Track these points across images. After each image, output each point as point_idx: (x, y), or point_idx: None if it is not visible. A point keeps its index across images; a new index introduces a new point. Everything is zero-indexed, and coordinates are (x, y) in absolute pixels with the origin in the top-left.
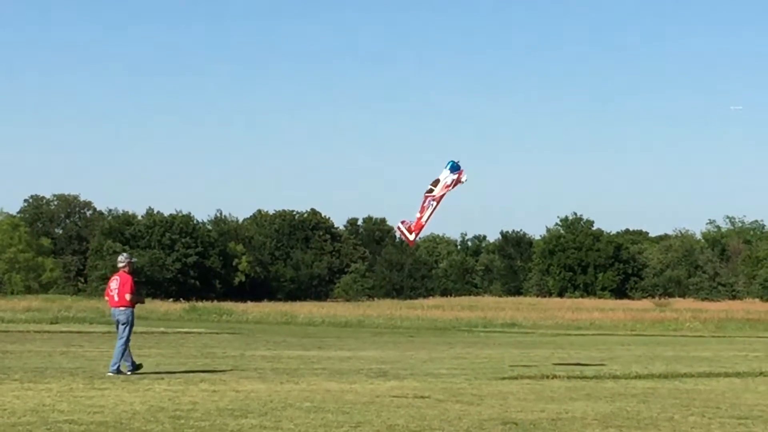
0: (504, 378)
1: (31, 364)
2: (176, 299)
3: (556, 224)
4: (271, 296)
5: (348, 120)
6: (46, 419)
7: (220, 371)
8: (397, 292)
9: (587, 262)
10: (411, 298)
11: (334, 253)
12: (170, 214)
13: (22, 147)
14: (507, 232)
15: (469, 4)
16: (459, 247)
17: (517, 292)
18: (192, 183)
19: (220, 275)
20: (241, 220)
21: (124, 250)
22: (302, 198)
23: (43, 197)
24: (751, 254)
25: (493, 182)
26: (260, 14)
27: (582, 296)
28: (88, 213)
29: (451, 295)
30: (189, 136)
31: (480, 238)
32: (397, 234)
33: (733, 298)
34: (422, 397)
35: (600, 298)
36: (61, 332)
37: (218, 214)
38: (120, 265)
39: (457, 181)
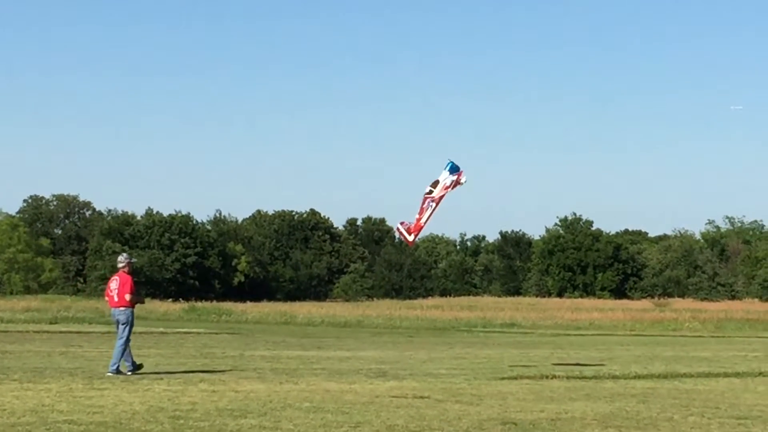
0: (503, 378)
1: (31, 364)
2: (175, 299)
3: (556, 224)
4: (271, 296)
5: (347, 120)
6: (46, 419)
7: (220, 371)
8: (396, 292)
9: (586, 263)
10: (410, 298)
11: (333, 253)
12: (169, 215)
13: (22, 147)
14: (506, 232)
15: (469, 4)
16: (458, 247)
17: (517, 292)
18: (191, 183)
19: (219, 275)
20: (240, 220)
21: (124, 251)
22: (301, 198)
23: (43, 197)
24: (751, 254)
25: (492, 182)
26: (260, 14)
27: (581, 296)
28: (88, 213)
29: (450, 296)
30: (188, 136)
31: (479, 238)
32: (397, 234)
33: (733, 298)
34: (421, 397)
35: (599, 298)
36: (61, 332)
37: (217, 215)
38: (120, 265)
39: (457, 183)
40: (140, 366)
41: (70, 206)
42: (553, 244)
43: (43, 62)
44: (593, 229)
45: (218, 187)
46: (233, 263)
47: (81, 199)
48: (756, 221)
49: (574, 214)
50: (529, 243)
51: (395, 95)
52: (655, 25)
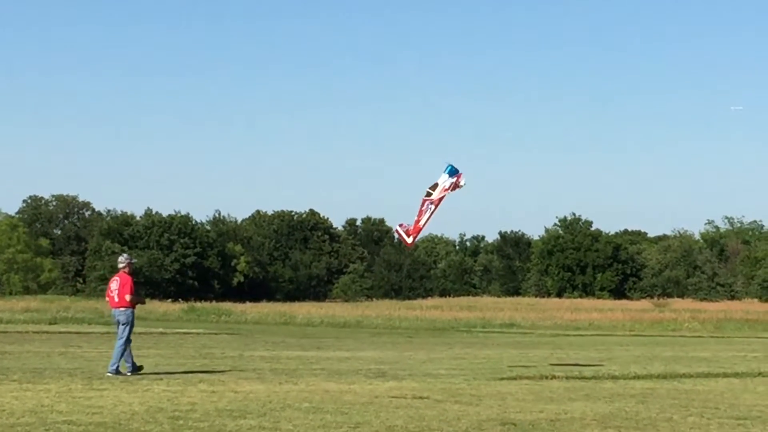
0: (503, 378)
1: (30, 364)
2: (175, 300)
3: (555, 224)
4: (270, 297)
5: (347, 120)
6: (45, 420)
7: (219, 372)
8: (395, 292)
9: (586, 263)
10: (409, 298)
11: (332, 253)
12: (169, 215)
13: (21, 147)
14: (506, 232)
15: (469, 4)
16: (457, 247)
17: (516, 292)
18: (191, 183)
19: (218, 276)
20: (239, 220)
21: (123, 251)
22: (301, 198)
23: (42, 198)
24: (750, 254)
25: (491, 182)
26: (260, 14)
27: (581, 296)
28: (87, 213)
29: (449, 296)
30: (188, 136)
31: (479, 239)
32: (396, 235)
33: (732, 298)
34: (421, 397)
35: (599, 298)
36: (60, 333)
37: (217, 215)
38: (120, 266)
39: (456, 185)
40: (140, 368)
41: (69, 206)
42: (553, 244)
43: (43, 62)
44: (592, 229)
45: (218, 187)
46: (232, 263)
47: (80, 199)
48: (755, 221)
49: (574, 214)
50: (529, 243)
51: (395, 95)
52: (655, 25)
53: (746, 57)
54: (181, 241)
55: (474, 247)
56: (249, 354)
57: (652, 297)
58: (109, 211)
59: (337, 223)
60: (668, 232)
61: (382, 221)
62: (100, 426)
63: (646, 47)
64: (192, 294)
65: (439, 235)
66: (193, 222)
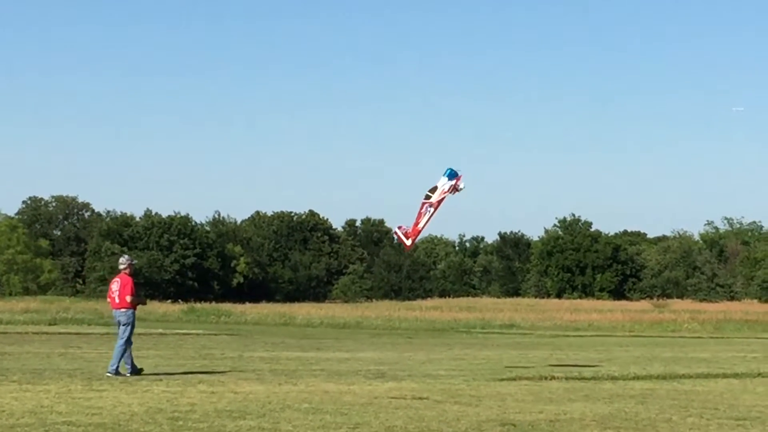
0: (502, 379)
1: (30, 365)
2: (174, 300)
3: (555, 225)
4: (270, 297)
5: (347, 120)
6: (45, 421)
7: (219, 372)
8: (395, 293)
9: (585, 263)
10: (409, 299)
11: (332, 254)
12: (168, 216)
13: (21, 148)
14: (505, 233)
15: (469, 4)
16: (457, 248)
17: (516, 293)
18: (190, 184)
19: (218, 276)
20: (239, 221)
21: (123, 252)
22: (300, 199)
23: (42, 199)
24: (749, 255)
25: (491, 183)
26: (260, 14)
27: (580, 297)
28: (87, 214)
29: (449, 297)
30: (188, 136)
31: (478, 239)
32: (395, 237)
33: (731, 299)
34: (420, 398)
35: (598, 299)
36: (60, 333)
37: (216, 216)
38: (121, 267)
39: (455, 188)
40: (140, 370)
41: (69, 207)
42: (552, 245)
43: (43, 62)
44: (592, 230)
45: (217, 187)
46: (232, 264)
47: (80, 200)
48: (755, 222)
49: (573, 215)
50: (528, 244)
51: (395, 95)
52: (655, 25)
53: (746, 57)
54: (181, 242)
55: (473, 248)
56: (248, 355)
57: (651, 298)
58: (108, 212)
59: (337, 223)
60: (668, 233)
61: (381, 222)
62: (99, 427)
63: (646, 47)
64: (192, 295)
65: (438, 235)
66: (193, 223)
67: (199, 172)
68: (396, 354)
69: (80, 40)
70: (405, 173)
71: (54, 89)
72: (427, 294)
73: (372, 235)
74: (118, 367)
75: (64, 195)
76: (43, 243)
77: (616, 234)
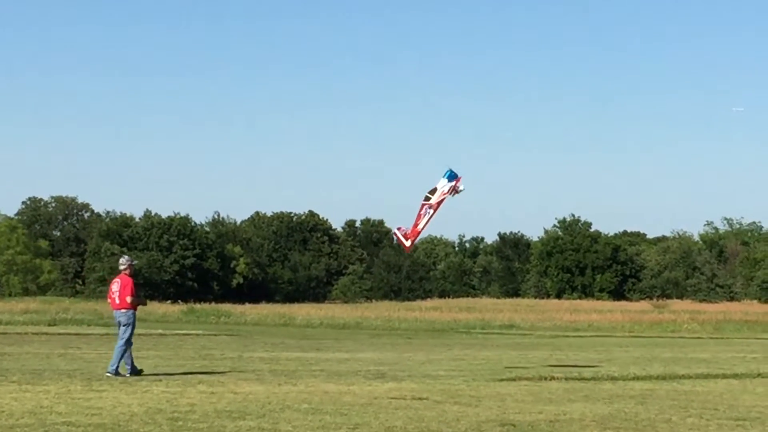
0: (502, 379)
1: (29, 366)
2: (174, 301)
3: (554, 226)
4: (269, 298)
5: (347, 120)
6: (44, 421)
7: (218, 373)
8: (395, 293)
9: (585, 264)
10: (409, 299)
11: (332, 254)
12: (168, 216)
13: (21, 148)
14: (505, 233)
15: (469, 4)
16: (457, 248)
17: (515, 293)
18: (190, 185)
19: (218, 277)
20: (239, 221)
21: (123, 252)
22: (300, 199)
23: (41, 199)
24: (749, 256)
25: (491, 183)
26: (260, 14)
27: (580, 298)
28: (86, 215)
29: (449, 297)
30: (188, 136)
31: (478, 240)
32: (395, 238)
33: (731, 299)
34: (420, 398)
35: (598, 299)
36: (59, 334)
37: (216, 216)
38: (121, 267)
39: (455, 190)
40: (140, 371)
41: (68, 208)
42: (552, 245)
43: (43, 62)
44: (592, 230)
45: (217, 188)
46: (232, 265)
47: (79, 200)
48: (754, 222)
49: (573, 215)
50: (528, 244)
51: (395, 95)
52: (655, 25)
53: (746, 57)
54: (181, 242)
55: (473, 249)
56: (248, 355)
57: (651, 298)
58: (108, 212)
59: (337, 224)
60: (667, 234)
61: (381, 222)
62: (99, 427)
63: (646, 47)
64: (191, 295)
65: (438, 236)
66: (193, 223)
67: (199, 173)
68: (396, 354)
69: (80, 40)
70: (405, 173)
71: (54, 89)
72: (426, 294)
73: (372, 236)
74: (117, 367)
75: (64, 195)
76: (43, 243)
77: (615, 234)
